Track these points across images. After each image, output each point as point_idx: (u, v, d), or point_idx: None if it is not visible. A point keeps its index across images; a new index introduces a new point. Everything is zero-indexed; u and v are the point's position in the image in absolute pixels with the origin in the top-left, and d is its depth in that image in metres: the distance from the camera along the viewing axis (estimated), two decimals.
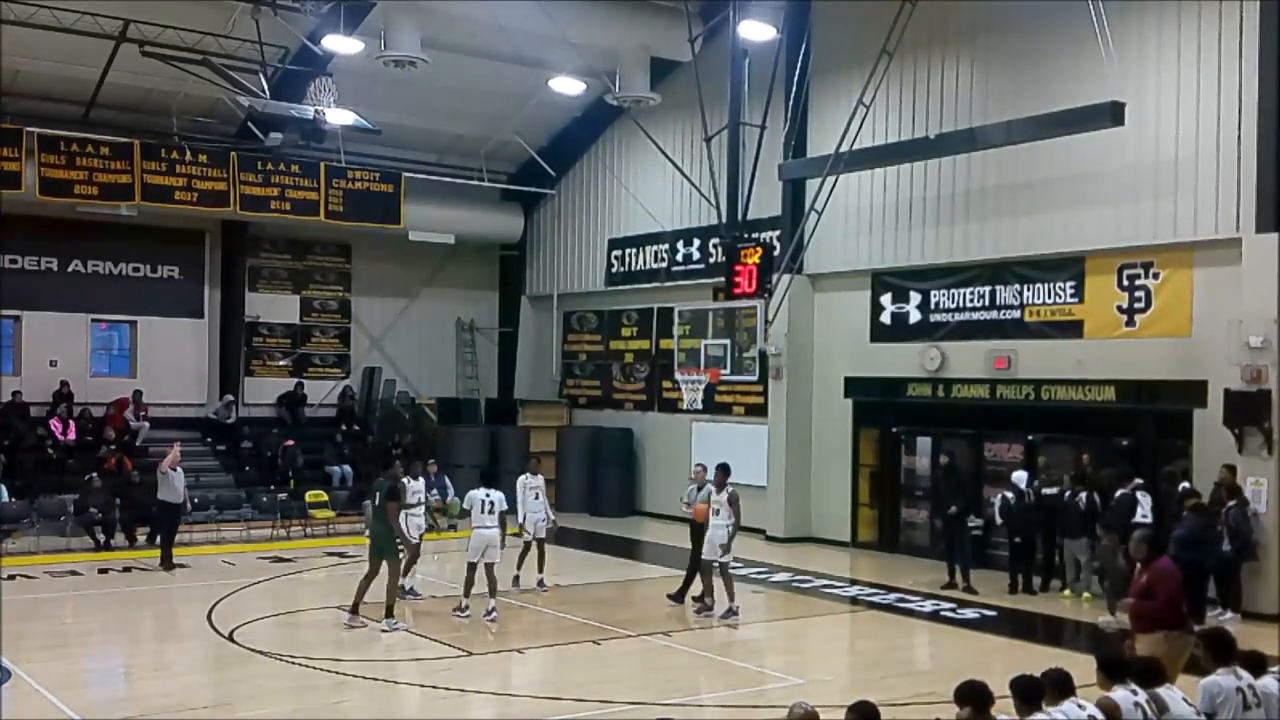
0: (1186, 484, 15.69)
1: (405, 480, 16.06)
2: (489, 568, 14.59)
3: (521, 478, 17.07)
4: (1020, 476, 17.50)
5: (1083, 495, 16.29)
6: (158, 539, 19.15)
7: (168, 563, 18.42)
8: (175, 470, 18.92)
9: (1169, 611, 9.46)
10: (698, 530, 15.45)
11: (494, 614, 14.49)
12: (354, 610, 14.05)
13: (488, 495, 14.74)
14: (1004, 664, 12.54)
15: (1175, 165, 16.73)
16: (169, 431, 24.23)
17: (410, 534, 15.63)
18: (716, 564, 14.70)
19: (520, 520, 16.72)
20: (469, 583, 14.67)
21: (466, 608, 14.63)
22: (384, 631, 13.77)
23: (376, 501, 14.49)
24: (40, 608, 15.44)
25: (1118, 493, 15.58)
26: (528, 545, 16.82)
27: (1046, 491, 16.95)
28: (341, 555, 19.53)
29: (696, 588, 15.40)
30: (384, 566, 14.10)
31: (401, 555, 14.46)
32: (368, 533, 15.37)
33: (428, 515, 16.91)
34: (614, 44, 22.93)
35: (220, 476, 23.88)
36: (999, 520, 17.38)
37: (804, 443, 22.10)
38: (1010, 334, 19.00)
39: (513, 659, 13.23)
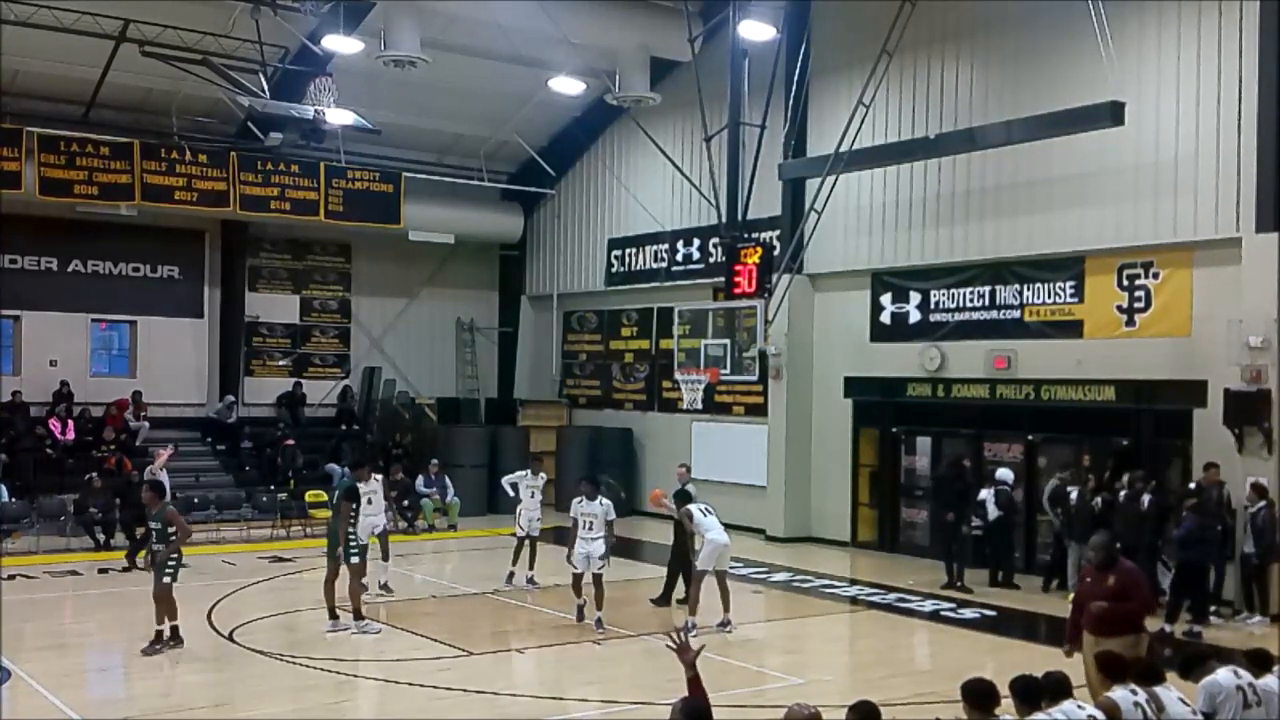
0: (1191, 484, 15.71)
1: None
2: (720, 576, 14.16)
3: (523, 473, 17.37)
4: (1005, 474, 17.67)
5: (1099, 499, 16.21)
6: (120, 538, 19.07)
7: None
8: (163, 472, 18.85)
9: (1144, 613, 9.56)
10: (679, 531, 15.48)
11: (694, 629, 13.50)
12: (332, 615, 13.97)
13: (705, 508, 14.43)
14: (1004, 664, 12.55)
15: (1175, 165, 16.73)
16: (169, 431, 24.26)
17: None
18: (592, 574, 13.91)
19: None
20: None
21: (694, 626, 13.57)
22: (353, 634, 13.69)
23: (335, 500, 14.42)
24: (40, 608, 15.43)
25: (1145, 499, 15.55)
26: (521, 542, 16.96)
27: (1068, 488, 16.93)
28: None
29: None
30: (343, 569, 13.95)
31: (355, 557, 14.15)
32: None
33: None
34: (614, 44, 22.94)
35: (220, 476, 23.89)
36: (993, 515, 17.52)
37: (804, 443, 22.09)
38: (1010, 334, 19.00)
39: (513, 659, 13.24)
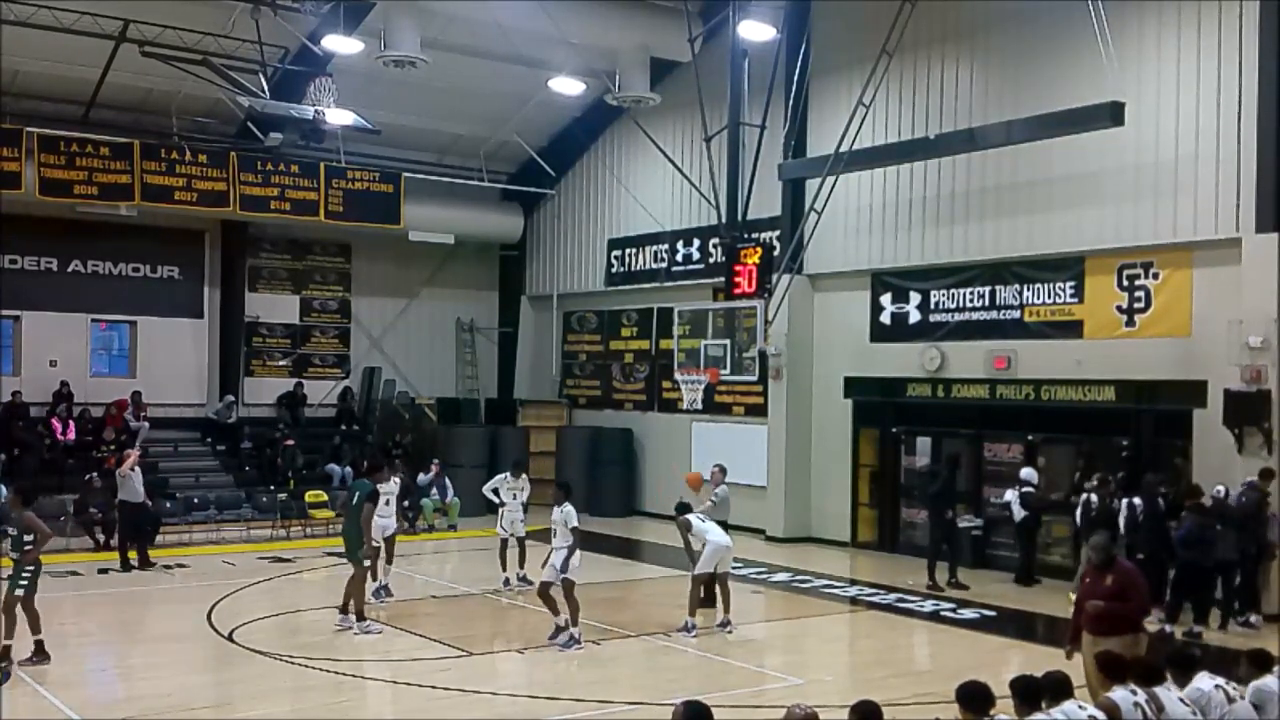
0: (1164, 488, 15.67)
1: None
2: (722, 578, 14.29)
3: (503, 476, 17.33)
4: (1030, 474, 17.76)
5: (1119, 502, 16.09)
6: (115, 540, 19.06)
7: (145, 561, 18.50)
8: (135, 471, 18.82)
9: (1142, 613, 9.62)
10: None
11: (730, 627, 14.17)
12: (360, 615, 13.97)
13: (702, 517, 14.54)
14: (1004, 664, 12.57)
15: (1175, 165, 16.73)
16: (169, 432, 24.32)
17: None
18: (557, 583, 13.29)
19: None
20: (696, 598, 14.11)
21: (693, 626, 13.96)
22: (356, 634, 13.72)
23: (354, 501, 14.34)
24: (40, 608, 15.38)
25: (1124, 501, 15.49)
26: (504, 543, 16.95)
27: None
28: (341, 555, 19.46)
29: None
30: (354, 568, 14.01)
31: (366, 560, 14.26)
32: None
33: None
34: (614, 44, 22.93)
35: (220, 476, 23.89)
36: (1019, 516, 17.53)
37: (804, 443, 22.09)
38: (1010, 334, 19.00)
39: (513, 659, 13.24)
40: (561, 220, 28.50)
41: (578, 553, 13.25)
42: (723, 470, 16.35)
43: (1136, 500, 15.21)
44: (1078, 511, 16.20)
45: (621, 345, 27.12)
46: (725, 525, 15.11)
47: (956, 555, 17.66)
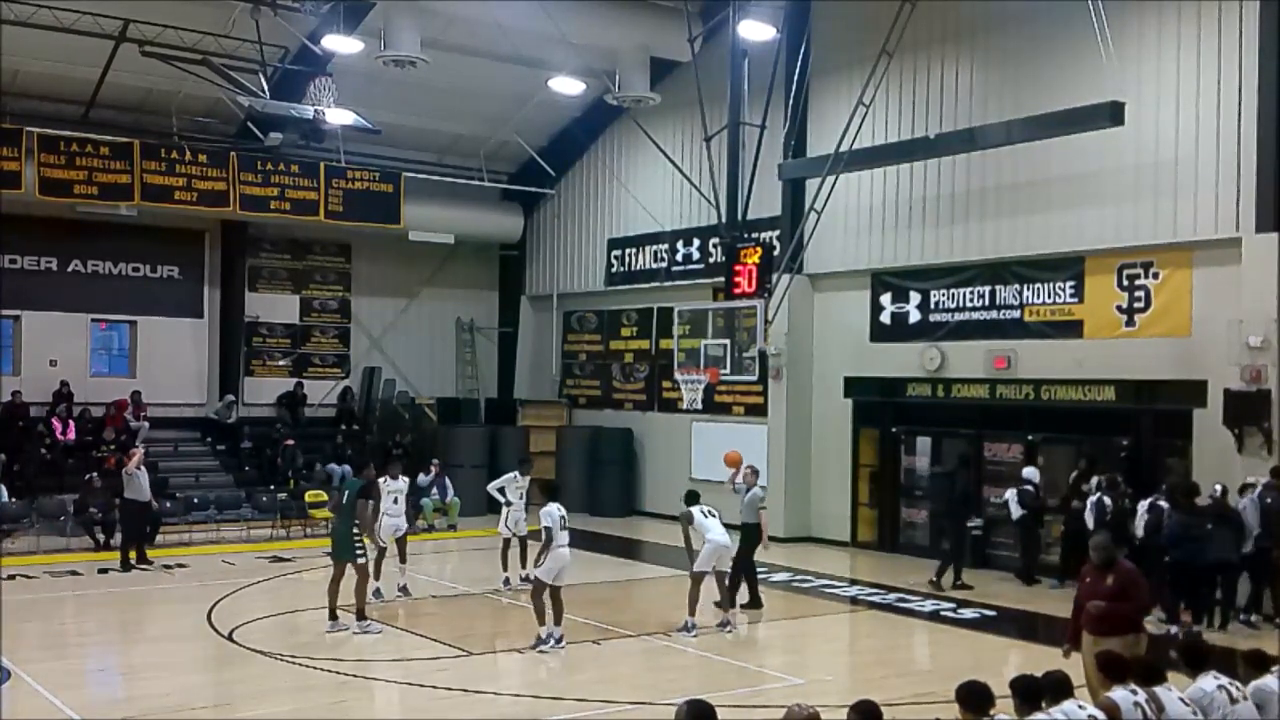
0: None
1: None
2: (720, 576, 14.32)
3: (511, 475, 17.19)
4: (1031, 473, 17.74)
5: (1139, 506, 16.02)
6: (116, 539, 19.14)
7: (142, 559, 18.54)
8: (140, 470, 18.83)
9: (1142, 613, 9.64)
10: (747, 534, 15.32)
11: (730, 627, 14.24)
12: (360, 614, 13.93)
13: (707, 511, 14.44)
14: (1004, 664, 12.57)
15: (1175, 165, 16.73)
16: (169, 431, 24.33)
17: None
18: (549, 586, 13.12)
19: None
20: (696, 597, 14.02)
21: (693, 626, 13.92)
22: (355, 634, 13.69)
23: (344, 500, 14.21)
24: (40, 608, 15.43)
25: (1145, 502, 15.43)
26: (507, 543, 16.89)
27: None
28: None
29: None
30: (349, 568, 13.94)
31: (362, 558, 14.13)
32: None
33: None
34: (614, 44, 22.94)
35: (220, 476, 23.90)
36: (1017, 514, 17.53)
37: (804, 443, 22.09)
38: (1010, 334, 19.00)
39: (513, 659, 13.24)
40: (561, 220, 28.50)
41: (554, 553, 12.92)
42: (755, 472, 16.17)
43: (1162, 503, 15.02)
44: (1087, 514, 16.12)
45: (621, 345, 27.12)
46: (747, 529, 15.20)
47: (960, 556, 17.65)
